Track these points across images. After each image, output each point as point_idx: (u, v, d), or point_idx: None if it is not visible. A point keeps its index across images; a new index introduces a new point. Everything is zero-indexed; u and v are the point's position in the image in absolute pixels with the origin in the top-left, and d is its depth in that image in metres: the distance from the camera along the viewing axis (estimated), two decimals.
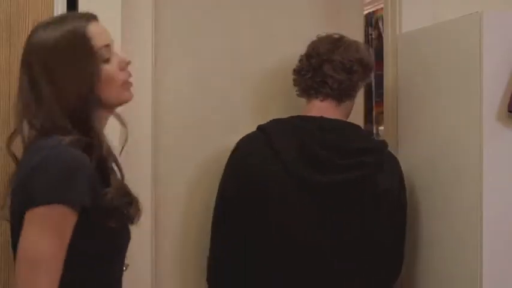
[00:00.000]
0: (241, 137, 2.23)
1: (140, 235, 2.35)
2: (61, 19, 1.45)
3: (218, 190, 2.17)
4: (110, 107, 1.50)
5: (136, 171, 2.34)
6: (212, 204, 2.37)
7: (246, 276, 2.06)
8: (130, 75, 1.50)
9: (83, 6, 2.13)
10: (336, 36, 2.18)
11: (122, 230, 1.39)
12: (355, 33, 2.52)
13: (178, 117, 2.51)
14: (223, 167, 2.24)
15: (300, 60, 2.20)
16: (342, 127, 2.11)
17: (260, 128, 2.15)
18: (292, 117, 2.14)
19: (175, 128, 2.50)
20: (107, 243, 1.35)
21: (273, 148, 2.04)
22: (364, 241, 2.05)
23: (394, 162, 2.22)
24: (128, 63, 1.49)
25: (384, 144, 2.21)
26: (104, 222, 1.31)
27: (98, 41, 1.43)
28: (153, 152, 2.40)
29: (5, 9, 1.97)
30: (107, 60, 1.43)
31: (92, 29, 1.43)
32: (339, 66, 2.09)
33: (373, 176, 2.06)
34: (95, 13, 1.48)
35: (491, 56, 2.03)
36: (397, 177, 2.18)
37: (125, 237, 1.42)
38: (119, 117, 1.58)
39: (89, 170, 1.30)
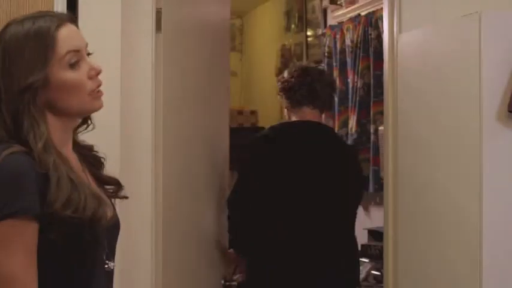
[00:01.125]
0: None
1: (141, 235, 2.36)
2: (34, 17, 1.36)
3: (242, 172, 2.72)
4: (75, 115, 1.40)
5: (137, 174, 2.34)
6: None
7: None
8: (99, 84, 1.39)
9: (83, 5, 2.14)
10: (317, 65, 3.18)
11: (76, 234, 1.29)
12: None
13: (178, 119, 2.51)
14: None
15: (288, 82, 2.81)
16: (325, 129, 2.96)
17: (273, 127, 2.87)
18: (297, 121, 2.83)
19: (175, 129, 2.50)
20: (68, 246, 1.29)
21: (286, 141, 2.76)
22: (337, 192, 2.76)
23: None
24: (99, 72, 1.38)
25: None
26: (45, 232, 1.25)
27: (66, 46, 1.34)
28: (154, 153, 2.40)
29: (5, 9, 1.97)
30: (74, 67, 1.35)
31: (64, 32, 1.34)
32: (326, 84, 2.85)
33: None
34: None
35: (490, 55, 2.03)
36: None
37: (91, 238, 1.32)
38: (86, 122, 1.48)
39: (34, 176, 1.23)
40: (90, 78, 1.37)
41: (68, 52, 1.35)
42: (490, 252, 2.03)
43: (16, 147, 1.27)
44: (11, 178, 1.23)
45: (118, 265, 2.08)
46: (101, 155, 1.51)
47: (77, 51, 1.36)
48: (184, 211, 2.53)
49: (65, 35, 1.35)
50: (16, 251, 1.22)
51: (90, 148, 1.50)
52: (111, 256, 1.41)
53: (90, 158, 1.48)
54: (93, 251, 1.33)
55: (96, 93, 1.39)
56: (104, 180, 1.49)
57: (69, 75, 1.35)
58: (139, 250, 2.34)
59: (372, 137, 3.84)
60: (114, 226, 1.45)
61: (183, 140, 2.53)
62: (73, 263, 1.30)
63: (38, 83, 1.30)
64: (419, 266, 2.38)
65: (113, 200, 1.50)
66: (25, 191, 1.22)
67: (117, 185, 1.51)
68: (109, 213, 1.39)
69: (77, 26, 1.41)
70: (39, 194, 1.24)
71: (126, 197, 1.53)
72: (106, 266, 1.38)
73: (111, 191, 1.50)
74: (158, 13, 2.41)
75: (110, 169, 2.13)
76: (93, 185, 1.41)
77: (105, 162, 1.52)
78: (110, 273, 1.41)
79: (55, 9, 2.05)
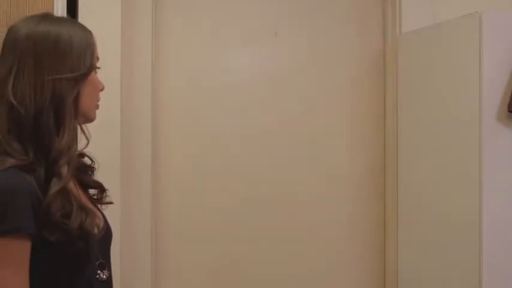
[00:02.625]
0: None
1: (140, 235, 2.36)
2: (69, 18, 1.43)
3: None
4: (82, 116, 1.39)
5: (136, 174, 2.34)
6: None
7: None
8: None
9: (82, 5, 2.14)
10: None
11: (72, 243, 1.29)
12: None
13: (178, 118, 2.51)
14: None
15: None
16: None
17: None
18: None
19: (174, 128, 2.50)
20: (61, 258, 1.29)
21: None
22: None
23: None
24: (103, 88, 1.44)
25: None
26: (45, 235, 1.23)
27: (96, 51, 1.41)
28: (153, 155, 2.40)
29: (5, 9, 1.97)
30: (96, 72, 1.40)
31: None
32: None
33: None
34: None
35: (491, 55, 2.03)
36: None
37: (80, 250, 1.32)
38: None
39: (28, 191, 1.22)
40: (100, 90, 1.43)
41: (97, 57, 1.39)
42: (490, 252, 2.03)
43: (10, 161, 1.26)
44: (3, 196, 1.22)
45: (118, 266, 2.09)
46: (88, 161, 1.51)
47: (98, 59, 1.41)
48: (184, 212, 2.52)
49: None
50: (6, 270, 1.22)
51: (80, 156, 1.49)
52: (105, 265, 1.41)
53: (79, 165, 1.48)
54: (83, 263, 1.33)
55: (98, 104, 1.43)
56: (88, 185, 1.50)
57: (96, 76, 1.39)
58: (139, 250, 2.34)
59: None
60: (106, 236, 1.44)
61: (182, 140, 2.52)
62: (63, 276, 1.30)
63: (87, 73, 1.33)
64: (419, 266, 2.38)
65: (104, 207, 1.50)
66: (17, 210, 1.21)
67: (101, 188, 1.51)
68: (100, 224, 1.39)
69: None
70: (32, 208, 1.23)
71: (111, 203, 1.53)
72: (97, 276, 1.38)
73: (96, 197, 1.50)
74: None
75: (110, 169, 2.13)
76: (82, 196, 1.41)
77: (95, 167, 1.51)
78: (105, 283, 1.40)
79: (55, 9, 2.05)
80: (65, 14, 2.04)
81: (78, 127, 1.44)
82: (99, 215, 1.44)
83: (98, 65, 1.41)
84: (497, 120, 2.03)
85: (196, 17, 2.55)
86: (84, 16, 2.12)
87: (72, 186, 1.37)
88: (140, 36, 2.36)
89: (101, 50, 1.46)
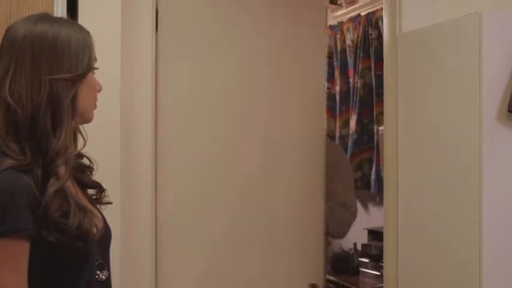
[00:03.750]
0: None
1: (140, 236, 2.36)
2: (67, 19, 1.43)
3: None
4: (80, 116, 1.39)
5: (137, 174, 2.35)
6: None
7: None
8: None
9: (82, 5, 2.14)
10: None
11: (72, 244, 1.29)
12: None
13: (179, 118, 2.51)
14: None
15: None
16: None
17: None
18: None
19: (175, 129, 2.50)
20: (61, 260, 1.29)
21: None
22: None
23: None
24: (101, 89, 1.44)
25: None
26: (43, 235, 1.23)
27: (94, 52, 1.41)
28: (154, 155, 2.40)
29: (5, 9, 1.97)
30: (94, 73, 1.41)
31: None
32: None
33: None
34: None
35: (491, 55, 2.03)
36: None
37: (79, 250, 1.32)
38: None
39: (26, 192, 1.23)
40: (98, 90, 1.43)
41: (95, 58, 1.39)
42: (490, 252, 2.03)
43: (7, 162, 1.26)
44: (1, 197, 1.22)
45: (118, 266, 2.09)
46: (87, 162, 1.50)
47: (96, 60, 1.41)
48: (191, 210, 2.52)
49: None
50: (5, 270, 1.22)
51: (79, 156, 1.49)
52: (104, 266, 1.41)
53: (77, 165, 1.48)
54: (82, 263, 1.33)
55: (95, 106, 1.43)
56: (87, 185, 1.50)
57: (93, 77, 1.40)
58: (139, 250, 2.34)
59: (376, 137, 3.83)
60: (105, 236, 1.44)
61: (188, 139, 2.52)
62: (62, 276, 1.30)
63: (85, 74, 1.34)
64: (419, 266, 2.38)
65: (103, 207, 1.50)
66: (16, 211, 1.22)
67: (99, 188, 1.51)
68: (99, 224, 1.39)
69: None
70: (30, 209, 1.23)
71: (110, 203, 1.53)
72: (97, 276, 1.38)
73: (95, 197, 1.50)
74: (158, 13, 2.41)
75: (110, 170, 2.13)
76: (81, 196, 1.41)
77: (94, 167, 1.51)
78: (104, 283, 1.41)
79: (55, 9, 2.05)
80: (64, 14, 2.04)
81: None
82: (98, 215, 1.44)
83: (96, 65, 1.41)
84: (497, 120, 2.03)
85: (198, 16, 2.55)
86: (84, 16, 2.12)
87: (71, 186, 1.37)
88: (141, 36, 2.36)
89: (101, 50, 1.46)
